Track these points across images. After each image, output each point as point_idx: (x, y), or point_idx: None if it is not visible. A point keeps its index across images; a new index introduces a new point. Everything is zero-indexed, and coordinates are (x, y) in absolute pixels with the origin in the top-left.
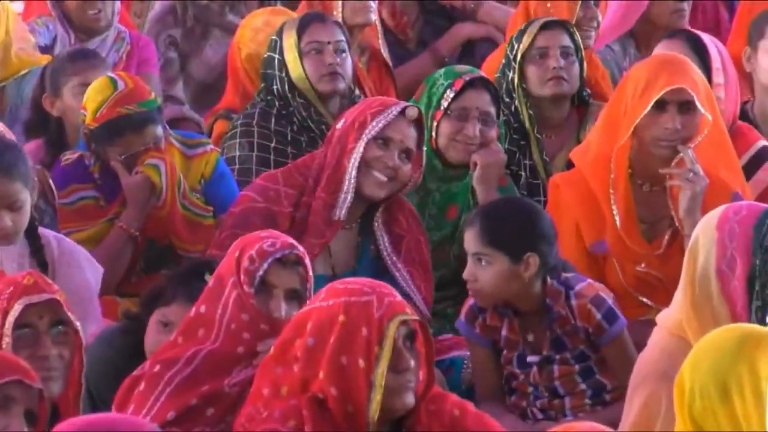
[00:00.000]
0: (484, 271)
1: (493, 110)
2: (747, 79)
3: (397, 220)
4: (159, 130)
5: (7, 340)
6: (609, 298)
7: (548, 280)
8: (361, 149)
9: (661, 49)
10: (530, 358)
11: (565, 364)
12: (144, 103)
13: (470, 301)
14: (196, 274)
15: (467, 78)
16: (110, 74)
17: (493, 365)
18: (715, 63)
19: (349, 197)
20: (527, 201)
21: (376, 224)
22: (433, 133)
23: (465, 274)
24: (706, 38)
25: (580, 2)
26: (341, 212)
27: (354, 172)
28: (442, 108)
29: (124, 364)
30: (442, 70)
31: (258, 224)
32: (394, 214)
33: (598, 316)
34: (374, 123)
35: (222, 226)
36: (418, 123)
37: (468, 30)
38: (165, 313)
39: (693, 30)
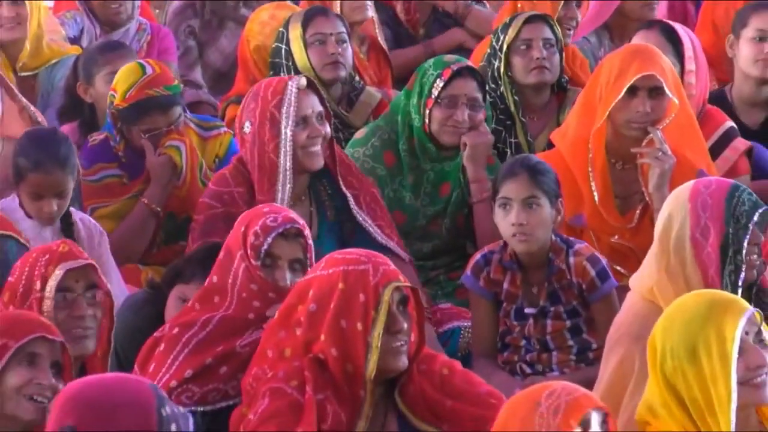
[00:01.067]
0: (534, 213)
1: (479, 96)
2: (716, 68)
3: (348, 181)
4: (180, 111)
5: (48, 302)
6: (603, 259)
7: (553, 236)
8: (290, 141)
9: (638, 39)
10: (528, 310)
11: (558, 319)
12: (169, 87)
13: (476, 257)
14: (211, 257)
15: (455, 68)
16: (139, 60)
17: (492, 320)
18: (688, 52)
19: (288, 188)
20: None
21: (323, 190)
22: (426, 120)
23: (515, 220)
24: (680, 29)
25: (562, 2)
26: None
27: (289, 164)
28: (433, 96)
29: (147, 328)
30: (431, 61)
31: (222, 228)
32: (344, 177)
33: (593, 273)
34: (285, 113)
35: (192, 235)
36: (313, 87)
37: (463, 37)
38: (183, 291)
39: (668, 21)
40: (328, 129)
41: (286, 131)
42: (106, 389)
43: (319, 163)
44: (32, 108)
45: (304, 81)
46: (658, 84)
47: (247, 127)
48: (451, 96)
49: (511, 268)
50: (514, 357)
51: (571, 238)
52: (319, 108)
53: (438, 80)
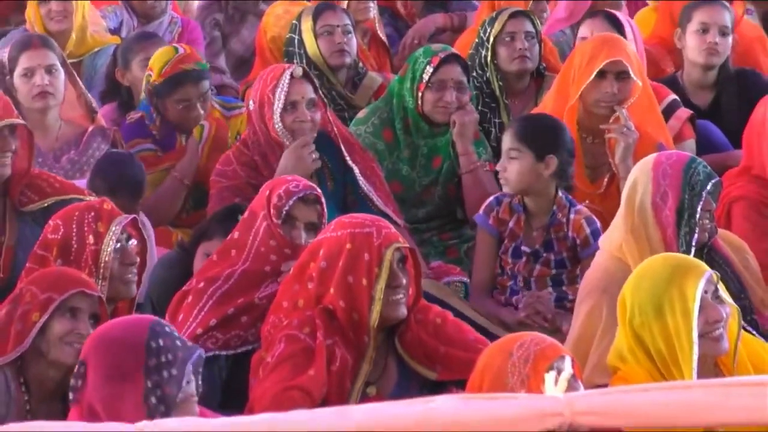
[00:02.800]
0: (511, 164)
1: (464, 79)
2: (675, 53)
3: (353, 157)
4: (209, 86)
5: (107, 253)
6: (598, 222)
7: (559, 192)
8: (279, 124)
9: (586, 27)
10: (524, 248)
11: (546, 266)
12: (199, 64)
13: (489, 199)
14: (230, 217)
15: (442, 55)
16: (172, 44)
17: (492, 255)
18: (629, 35)
19: None
20: (556, 118)
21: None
22: (419, 102)
23: (497, 167)
24: (621, 16)
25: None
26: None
27: (287, 142)
28: (424, 81)
29: (177, 282)
30: (421, 50)
31: (229, 197)
32: (349, 153)
33: (588, 230)
34: (277, 96)
35: (210, 203)
36: (308, 77)
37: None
38: (207, 247)
39: (610, 11)
40: (317, 116)
41: (276, 113)
42: (109, 328)
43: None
44: (89, 95)
45: (299, 70)
46: (624, 68)
47: (251, 105)
48: (440, 80)
49: (517, 210)
50: (501, 297)
51: (574, 200)
52: (311, 96)
53: (428, 66)
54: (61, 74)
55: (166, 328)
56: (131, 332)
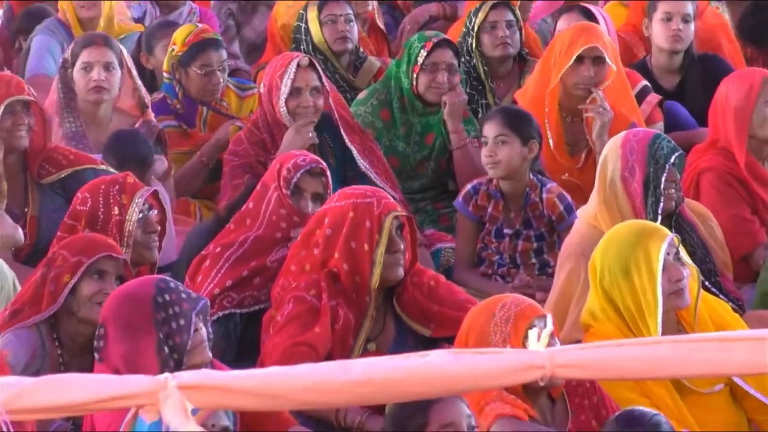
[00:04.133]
0: (502, 149)
1: (455, 62)
2: (644, 40)
3: (351, 137)
4: (226, 56)
5: (131, 223)
6: (568, 197)
7: (530, 176)
8: (284, 107)
9: (563, 21)
10: (506, 231)
11: (528, 241)
12: (217, 35)
13: (466, 188)
14: None
15: (435, 40)
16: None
17: (473, 238)
18: (602, 26)
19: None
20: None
21: (326, 143)
22: (414, 83)
23: (485, 153)
24: (595, 9)
25: None
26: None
27: (289, 124)
28: (418, 64)
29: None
30: (416, 36)
31: (240, 173)
32: (348, 134)
33: (561, 207)
34: (283, 83)
35: (222, 180)
36: (313, 66)
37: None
38: None
39: (584, 4)
40: (320, 101)
41: (282, 97)
42: (120, 291)
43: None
44: (143, 90)
45: (305, 60)
46: (600, 54)
47: (262, 88)
48: (433, 63)
49: (495, 196)
50: (489, 270)
51: (544, 179)
52: (315, 83)
53: (422, 50)
54: (118, 72)
55: (171, 284)
56: (140, 291)
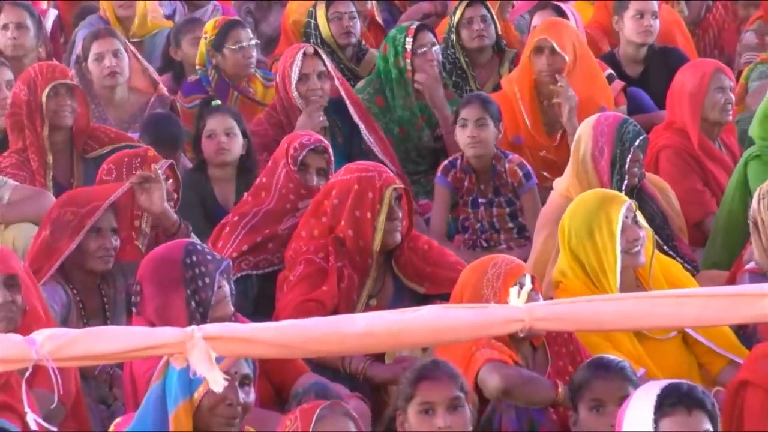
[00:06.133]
0: (483, 130)
1: (436, 41)
2: (609, 35)
3: (359, 116)
4: (251, 35)
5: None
6: (527, 165)
7: (496, 150)
8: (296, 92)
9: (537, 17)
10: (480, 200)
11: (500, 207)
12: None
13: (444, 163)
14: None
15: (414, 26)
16: None
17: (447, 206)
18: (571, 22)
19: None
20: None
21: (334, 123)
22: (408, 68)
23: (468, 134)
24: (565, 7)
25: None
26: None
27: (302, 106)
28: (408, 50)
29: None
30: (394, 30)
31: (260, 152)
32: (357, 114)
33: (520, 174)
34: (293, 70)
35: None
36: (318, 54)
37: (426, 7)
38: None
39: (556, 2)
40: (327, 85)
41: (293, 84)
42: (154, 254)
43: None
44: (151, 68)
45: (310, 49)
46: (551, 44)
47: (277, 78)
48: (421, 45)
49: (468, 172)
50: (473, 236)
51: (507, 151)
52: (321, 69)
53: (407, 38)
54: (125, 57)
55: (198, 247)
56: (171, 253)
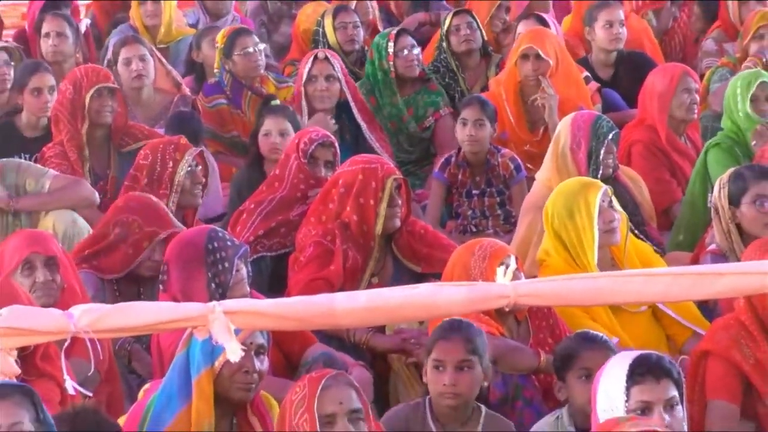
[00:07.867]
0: (482, 129)
1: (415, 43)
2: (584, 42)
3: (362, 115)
4: (258, 41)
5: (181, 174)
6: (518, 159)
7: (489, 145)
8: (303, 92)
9: (522, 25)
10: (474, 191)
11: (491, 197)
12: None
13: (441, 159)
14: None
15: (394, 31)
16: None
17: (442, 198)
18: (552, 30)
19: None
20: None
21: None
22: (392, 69)
23: (467, 132)
24: (547, 17)
25: (497, 4)
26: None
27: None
28: (390, 53)
29: None
30: (378, 36)
31: None
32: (361, 114)
33: (512, 167)
34: (305, 72)
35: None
36: (327, 59)
37: (422, 17)
38: None
39: (539, 13)
40: (334, 87)
41: (304, 83)
42: (180, 237)
43: (327, 106)
44: (174, 71)
45: (322, 54)
46: (536, 51)
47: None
48: (402, 47)
49: (462, 166)
50: (465, 222)
51: (499, 146)
52: (329, 72)
53: (389, 43)
54: (151, 61)
55: (219, 234)
56: (195, 238)
